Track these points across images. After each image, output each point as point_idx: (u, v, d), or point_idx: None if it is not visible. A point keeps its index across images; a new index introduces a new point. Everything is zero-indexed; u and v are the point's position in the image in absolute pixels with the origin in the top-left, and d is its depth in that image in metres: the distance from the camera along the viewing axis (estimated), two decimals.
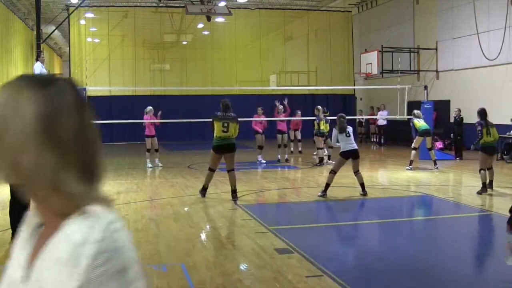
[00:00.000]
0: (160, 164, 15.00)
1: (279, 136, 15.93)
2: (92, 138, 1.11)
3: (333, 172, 9.89)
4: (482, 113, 11.03)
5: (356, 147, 9.94)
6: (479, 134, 10.47)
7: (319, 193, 9.81)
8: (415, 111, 14.65)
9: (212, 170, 9.69)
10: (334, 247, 6.69)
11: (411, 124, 14.76)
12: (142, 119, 17.21)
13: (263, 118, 16.00)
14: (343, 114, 10.40)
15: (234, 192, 9.59)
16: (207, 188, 9.81)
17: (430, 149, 14.27)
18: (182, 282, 5.28)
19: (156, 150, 15.13)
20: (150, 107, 15.43)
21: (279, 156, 15.84)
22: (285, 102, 16.21)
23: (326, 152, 15.21)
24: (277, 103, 16.04)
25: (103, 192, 1.18)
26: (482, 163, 10.47)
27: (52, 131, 1.04)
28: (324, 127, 14.80)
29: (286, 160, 15.81)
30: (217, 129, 9.47)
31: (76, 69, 24.28)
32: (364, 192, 9.97)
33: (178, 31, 26.82)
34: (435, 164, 13.90)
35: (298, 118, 17.61)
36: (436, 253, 6.45)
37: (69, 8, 23.33)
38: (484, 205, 9.11)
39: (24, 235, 1.18)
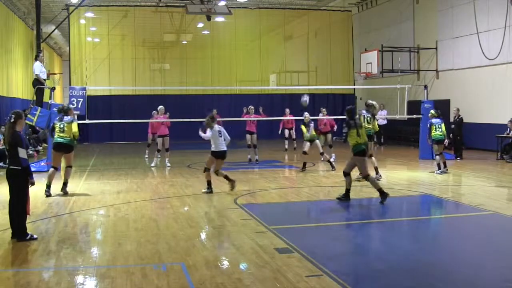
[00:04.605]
0: (164, 163, 15.04)
1: (248, 136, 15.96)
2: None
3: (207, 169, 10.46)
4: (353, 112, 10.10)
5: (225, 149, 10.39)
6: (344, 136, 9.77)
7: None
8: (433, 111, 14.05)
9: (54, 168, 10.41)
10: (334, 247, 6.69)
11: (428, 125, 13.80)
12: (142, 118, 17.22)
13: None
14: (214, 111, 10.72)
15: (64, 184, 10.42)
16: (49, 186, 10.18)
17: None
18: (182, 281, 5.28)
19: (158, 151, 15.23)
20: (162, 106, 15.56)
21: (249, 156, 15.80)
22: (260, 110, 16.46)
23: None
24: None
25: None
26: (362, 169, 9.59)
27: None
28: (305, 130, 14.01)
29: (256, 161, 15.63)
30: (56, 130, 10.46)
31: (76, 69, 24.29)
32: (232, 186, 10.46)
33: (178, 31, 26.81)
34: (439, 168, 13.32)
35: (288, 117, 18.40)
36: (436, 253, 6.45)
37: (69, 8, 23.34)
38: (484, 205, 9.11)
39: None
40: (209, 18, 23.36)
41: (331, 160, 14.42)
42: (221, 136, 10.34)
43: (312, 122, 13.94)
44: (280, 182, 12.32)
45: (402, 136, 22.83)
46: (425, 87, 17.73)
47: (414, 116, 17.27)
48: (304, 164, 13.82)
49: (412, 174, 13.35)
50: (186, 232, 7.38)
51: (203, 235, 7.42)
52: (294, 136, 19.17)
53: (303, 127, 13.84)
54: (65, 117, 10.40)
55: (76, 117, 11.58)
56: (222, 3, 23.08)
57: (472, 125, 18.51)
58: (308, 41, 27.69)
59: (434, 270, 5.67)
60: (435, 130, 13.35)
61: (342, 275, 5.37)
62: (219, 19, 24.86)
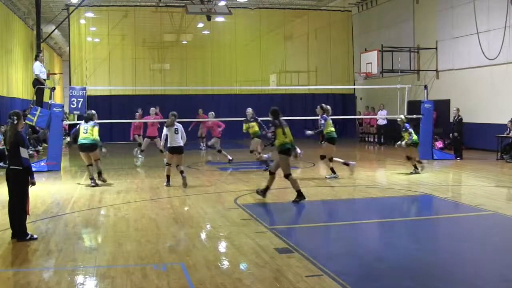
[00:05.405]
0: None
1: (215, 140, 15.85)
2: None
3: (169, 164, 11.41)
4: (277, 112, 9.80)
5: (181, 144, 11.20)
6: (272, 136, 9.54)
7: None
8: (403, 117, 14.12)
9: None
10: (334, 247, 6.70)
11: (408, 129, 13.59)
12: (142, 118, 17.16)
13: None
14: (175, 112, 11.39)
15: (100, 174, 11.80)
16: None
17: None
18: (182, 281, 5.28)
19: (142, 151, 15.50)
20: (153, 108, 15.72)
21: (229, 157, 15.46)
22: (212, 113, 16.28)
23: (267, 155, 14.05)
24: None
25: None
26: (284, 168, 9.43)
27: None
28: (251, 130, 13.95)
29: (230, 161, 15.34)
30: (80, 132, 11.74)
31: (76, 69, 24.28)
32: (168, 183, 11.35)
33: (178, 31, 26.82)
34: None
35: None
36: (436, 253, 6.45)
37: (69, 8, 23.34)
38: (484, 205, 9.11)
39: None
40: (209, 18, 23.36)
41: (265, 157, 13.92)
42: (177, 133, 11.17)
43: (256, 119, 13.89)
44: (280, 182, 12.31)
45: (402, 136, 22.79)
46: (425, 87, 17.72)
47: (414, 116, 17.25)
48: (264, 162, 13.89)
49: (412, 174, 13.33)
50: (186, 232, 7.38)
51: (203, 235, 7.42)
52: None
53: (245, 125, 13.98)
54: (90, 121, 11.75)
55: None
56: (222, 3, 23.07)
57: (472, 125, 18.50)
58: (308, 41, 27.69)
59: (434, 270, 5.67)
60: (415, 134, 13.40)
61: (342, 275, 5.37)
62: (219, 19, 24.85)
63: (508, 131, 16.22)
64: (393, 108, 19.13)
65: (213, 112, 16.38)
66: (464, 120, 17.04)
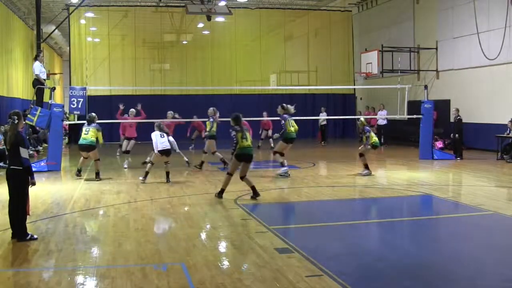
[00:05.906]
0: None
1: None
2: None
3: (152, 163, 12.14)
4: (237, 118, 9.96)
5: (169, 147, 12.03)
6: (235, 141, 9.67)
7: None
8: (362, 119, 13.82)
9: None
10: (334, 247, 6.70)
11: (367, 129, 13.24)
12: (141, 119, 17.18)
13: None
14: (159, 124, 12.23)
15: (97, 174, 12.63)
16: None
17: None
18: (182, 281, 5.28)
19: (127, 152, 15.42)
20: (132, 109, 15.83)
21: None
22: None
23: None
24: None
25: None
26: (240, 171, 9.75)
27: None
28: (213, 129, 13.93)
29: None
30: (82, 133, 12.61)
31: (76, 69, 24.29)
32: (145, 179, 12.02)
33: (178, 31, 26.82)
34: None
35: (266, 118, 18.97)
36: (436, 253, 6.45)
37: (69, 8, 23.36)
38: (484, 205, 9.11)
39: None
40: (209, 18, 23.36)
41: (220, 156, 13.99)
42: (162, 137, 12.02)
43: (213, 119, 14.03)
44: (280, 182, 12.32)
45: (402, 136, 22.84)
46: (425, 87, 17.72)
47: (414, 116, 17.27)
48: (225, 162, 13.70)
49: (412, 174, 13.35)
50: (186, 232, 7.38)
51: (203, 235, 7.42)
52: (269, 135, 20.31)
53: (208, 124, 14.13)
54: (91, 123, 12.57)
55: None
56: (222, 3, 23.07)
57: (472, 125, 18.51)
58: (308, 41, 27.69)
59: (434, 270, 5.67)
60: (374, 136, 13.30)
61: (342, 275, 5.37)
62: (219, 19, 24.85)
63: (508, 131, 16.22)
64: (393, 108, 19.14)
65: (171, 112, 16.16)
66: (464, 120, 17.04)
